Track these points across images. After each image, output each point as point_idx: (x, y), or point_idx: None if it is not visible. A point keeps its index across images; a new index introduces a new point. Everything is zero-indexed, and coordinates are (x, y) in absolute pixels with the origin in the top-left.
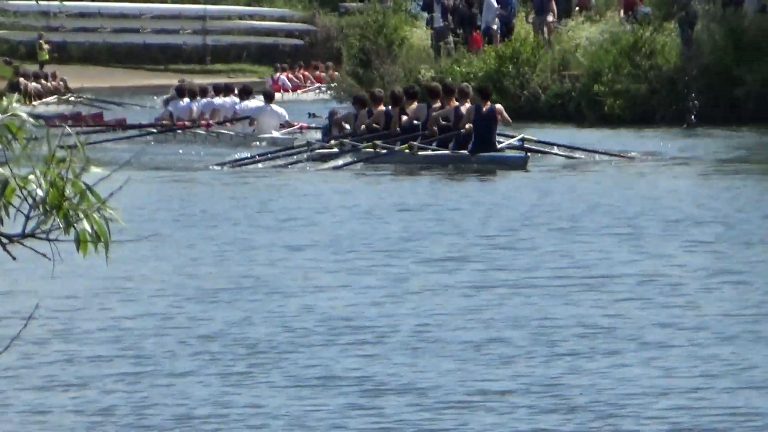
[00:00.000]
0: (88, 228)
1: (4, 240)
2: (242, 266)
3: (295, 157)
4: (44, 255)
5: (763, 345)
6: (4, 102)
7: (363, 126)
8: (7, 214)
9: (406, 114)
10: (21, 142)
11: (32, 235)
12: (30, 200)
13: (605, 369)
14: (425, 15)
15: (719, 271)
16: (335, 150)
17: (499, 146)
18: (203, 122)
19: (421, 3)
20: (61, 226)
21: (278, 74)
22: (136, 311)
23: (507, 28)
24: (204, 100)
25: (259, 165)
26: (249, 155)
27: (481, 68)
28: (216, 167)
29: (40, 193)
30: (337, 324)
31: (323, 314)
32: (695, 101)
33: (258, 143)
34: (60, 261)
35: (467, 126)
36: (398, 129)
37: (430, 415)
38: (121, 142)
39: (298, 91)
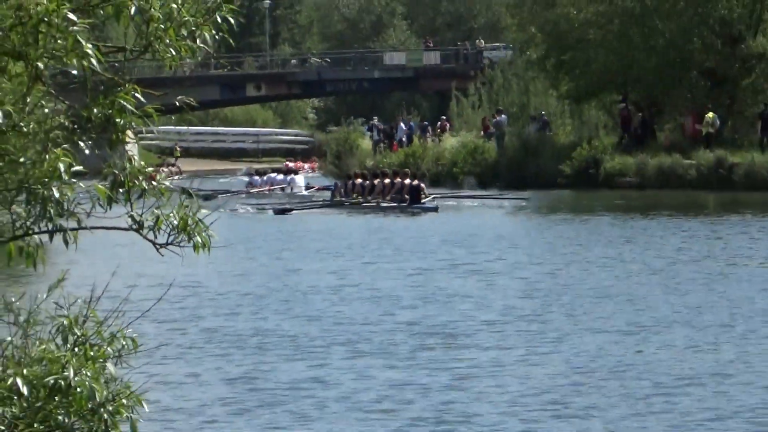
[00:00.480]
0: (200, 240)
1: (157, 245)
2: (273, 260)
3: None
4: (178, 254)
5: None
6: (158, 177)
7: (354, 194)
8: (158, 233)
9: (374, 185)
10: (166, 196)
11: (171, 244)
12: (170, 226)
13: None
14: (369, 133)
15: (530, 278)
16: (337, 202)
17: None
18: (268, 188)
19: (367, 126)
20: (186, 239)
21: (286, 163)
22: (229, 285)
23: (409, 140)
24: (266, 176)
25: (296, 211)
26: (289, 205)
27: (397, 161)
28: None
29: (174, 222)
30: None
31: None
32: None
33: (295, 199)
34: (186, 256)
35: (406, 195)
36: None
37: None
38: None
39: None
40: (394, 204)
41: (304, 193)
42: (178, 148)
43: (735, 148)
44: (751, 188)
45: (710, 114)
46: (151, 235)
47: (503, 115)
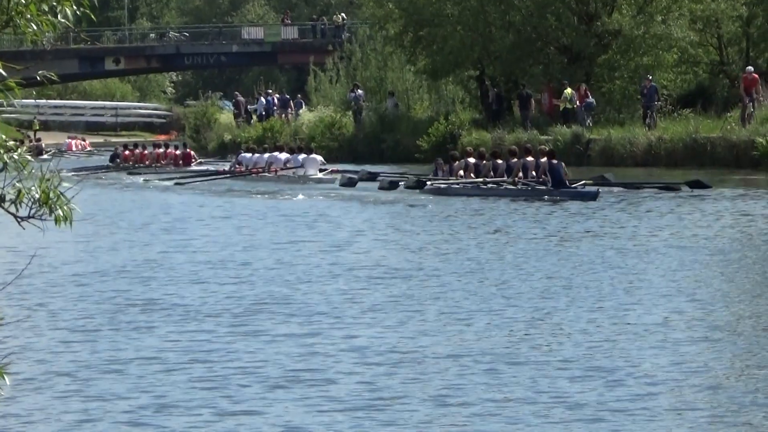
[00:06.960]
0: (61, 213)
1: (19, 218)
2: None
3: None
4: (39, 227)
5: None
6: (19, 151)
7: (461, 172)
8: (20, 206)
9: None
10: (27, 170)
11: (32, 217)
12: (32, 199)
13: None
14: (231, 107)
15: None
16: (453, 183)
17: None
18: (273, 168)
19: (232, 101)
20: (47, 212)
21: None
22: (89, 256)
23: (267, 115)
24: (268, 154)
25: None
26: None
27: (255, 134)
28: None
29: (36, 196)
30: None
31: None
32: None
33: (306, 182)
34: (47, 230)
35: (544, 175)
36: (491, 174)
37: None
38: (208, 182)
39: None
40: (542, 187)
41: (319, 175)
42: (36, 121)
43: (617, 124)
44: (608, 164)
45: (568, 90)
46: (12, 209)
47: (360, 90)
